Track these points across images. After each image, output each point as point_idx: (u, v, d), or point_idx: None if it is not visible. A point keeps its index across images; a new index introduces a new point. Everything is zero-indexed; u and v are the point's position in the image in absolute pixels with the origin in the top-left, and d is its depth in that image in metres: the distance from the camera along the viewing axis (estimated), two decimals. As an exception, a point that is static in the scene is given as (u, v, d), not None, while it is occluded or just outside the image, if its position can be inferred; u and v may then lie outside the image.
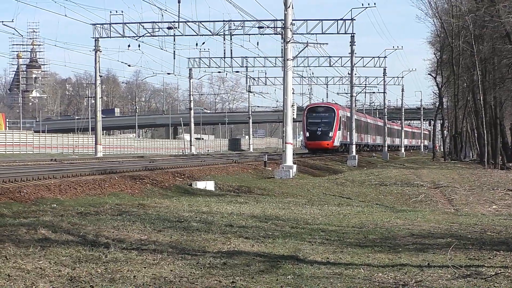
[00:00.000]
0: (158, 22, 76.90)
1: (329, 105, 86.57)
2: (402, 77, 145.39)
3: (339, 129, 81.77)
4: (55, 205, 24.19)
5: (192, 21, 75.73)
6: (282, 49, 55.19)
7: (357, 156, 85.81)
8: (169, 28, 76.21)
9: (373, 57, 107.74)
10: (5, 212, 21.80)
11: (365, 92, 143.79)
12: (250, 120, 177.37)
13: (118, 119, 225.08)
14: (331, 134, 79.76)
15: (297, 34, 67.12)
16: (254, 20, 78.02)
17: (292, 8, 52.47)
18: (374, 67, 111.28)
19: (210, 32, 79.61)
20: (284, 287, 12.86)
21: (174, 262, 14.88)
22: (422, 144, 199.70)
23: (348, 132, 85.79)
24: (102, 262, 14.52)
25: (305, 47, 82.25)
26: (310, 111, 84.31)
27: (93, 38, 79.87)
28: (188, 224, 20.73)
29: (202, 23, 78.78)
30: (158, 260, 15.02)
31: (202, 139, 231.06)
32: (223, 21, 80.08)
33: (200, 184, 34.75)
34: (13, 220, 20.11)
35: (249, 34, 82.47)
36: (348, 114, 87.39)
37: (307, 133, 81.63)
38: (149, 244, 17.11)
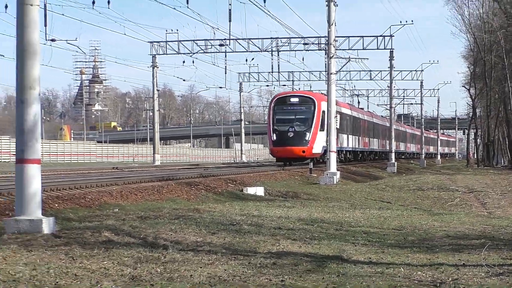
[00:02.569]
0: (211, 39, 76.63)
1: (307, 94, 61.52)
2: (438, 89, 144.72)
3: (322, 129, 56.81)
4: (117, 210, 24.29)
5: (242, 39, 75.54)
6: (326, 64, 55.07)
7: (396, 163, 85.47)
8: (220, 45, 76.14)
9: (411, 71, 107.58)
10: (72, 217, 21.91)
11: (403, 104, 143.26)
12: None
13: (174, 129, 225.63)
14: (308, 136, 56.11)
15: (340, 49, 65.36)
16: (299, 37, 77.64)
17: (335, 25, 52.44)
18: (412, 80, 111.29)
19: (259, 48, 79.45)
20: (330, 285, 12.87)
21: (228, 262, 14.93)
22: (456, 151, 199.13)
23: (342, 134, 68.19)
24: (161, 262, 14.60)
25: (347, 62, 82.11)
26: (279, 103, 60.16)
27: (150, 55, 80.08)
28: (240, 227, 20.76)
29: (251, 40, 78.69)
30: (213, 260, 15.07)
31: (253, 148, 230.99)
32: (271, 38, 79.87)
33: (251, 190, 34.72)
34: (79, 224, 20.23)
35: (295, 50, 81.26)
36: (342, 110, 70.12)
37: (274, 135, 57.91)
38: (204, 245, 17.16)
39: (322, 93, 66.53)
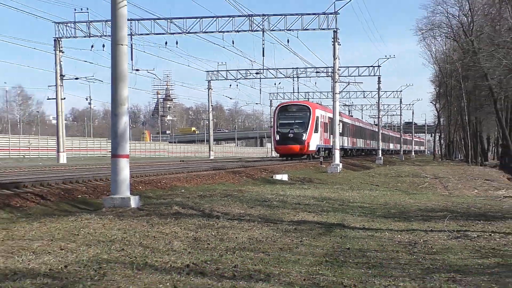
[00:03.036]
0: (250, 69, 76.26)
1: (304, 104, 59.29)
2: (413, 104, 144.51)
3: (316, 131, 55.93)
4: (183, 191, 24.37)
5: (271, 68, 75.32)
6: (332, 87, 54.84)
7: (382, 157, 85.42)
8: (256, 73, 75.94)
9: (393, 91, 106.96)
10: (151, 195, 22.03)
11: (388, 114, 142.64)
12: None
13: (223, 133, 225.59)
14: (304, 137, 54.02)
15: (342, 76, 64.85)
16: (312, 67, 77.56)
17: (338, 59, 52.18)
18: (394, 97, 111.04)
19: (284, 75, 79.56)
20: (335, 244, 12.94)
21: (262, 228, 15.01)
22: (426, 149, 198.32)
23: (329, 135, 62.88)
24: (215, 228, 14.69)
25: (347, 85, 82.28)
26: (282, 111, 57.50)
27: (206, 80, 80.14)
28: (270, 203, 20.79)
29: (279, 69, 78.75)
30: (251, 226, 15.16)
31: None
32: (292, 68, 79.80)
33: (278, 176, 34.69)
34: (156, 201, 20.34)
35: (310, 77, 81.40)
36: (330, 115, 61.82)
37: (278, 136, 56.08)
38: (245, 216, 17.23)
39: (316, 103, 66.36)
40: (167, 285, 8.77)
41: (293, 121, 55.22)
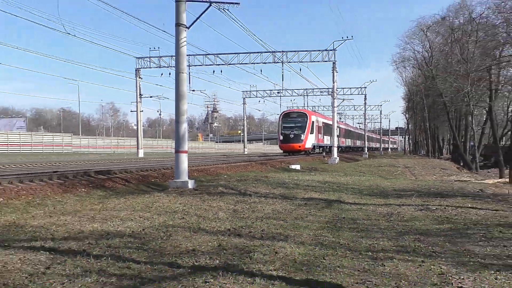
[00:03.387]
0: (273, 90, 75.78)
1: (302, 111, 56.45)
2: (389, 114, 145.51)
3: (312, 133, 53.54)
4: (225, 176, 24.35)
5: (288, 89, 74.83)
6: (331, 102, 54.55)
7: (368, 152, 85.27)
8: (278, 92, 75.51)
9: (376, 105, 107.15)
10: (202, 180, 22.00)
11: (371, 122, 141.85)
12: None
13: (254, 135, 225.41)
14: (302, 137, 51.95)
15: (339, 94, 64.13)
16: (318, 89, 77.14)
17: (336, 82, 52.03)
18: (377, 110, 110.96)
19: (297, 94, 79.09)
20: (334, 214, 12.84)
21: (282, 203, 14.93)
22: (398, 146, 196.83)
23: (324, 136, 61.62)
24: (248, 203, 14.64)
25: (342, 101, 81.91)
26: (285, 116, 55.01)
27: (243, 97, 79.84)
28: (288, 185, 20.71)
29: (294, 90, 78.44)
30: (274, 202, 15.08)
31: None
32: (303, 89, 79.30)
33: (293, 166, 34.55)
34: (206, 183, 20.30)
35: (316, 95, 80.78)
36: (324, 120, 62.91)
37: (282, 136, 54.01)
38: (270, 194, 17.16)
39: (312, 110, 62.89)
40: (214, 244, 8.77)
41: (294, 125, 53.00)
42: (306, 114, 54.01)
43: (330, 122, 62.41)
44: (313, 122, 54.14)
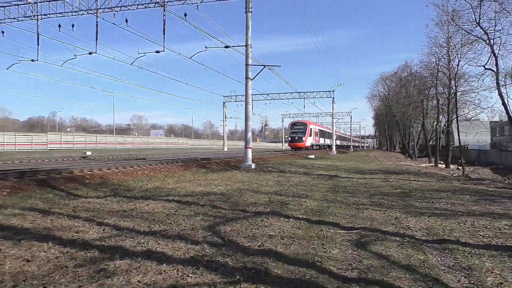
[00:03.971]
0: (298, 113, 74.28)
1: (304, 122, 50.29)
2: (364, 127, 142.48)
3: (310, 136, 48.03)
4: (272, 162, 24.26)
5: (307, 113, 73.38)
6: (331, 121, 53.79)
7: (352, 148, 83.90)
8: (302, 115, 74.85)
9: (357, 122, 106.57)
10: (260, 163, 21.85)
11: (351, 129, 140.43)
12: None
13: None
14: (303, 139, 47.04)
15: (336, 117, 62.48)
16: (324, 113, 75.74)
17: (334, 109, 51.38)
18: (358, 125, 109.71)
19: (312, 115, 77.90)
20: (334, 183, 12.61)
21: (304, 176, 14.77)
22: (370, 145, 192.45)
23: (320, 138, 55.87)
24: (285, 176, 14.53)
25: (338, 120, 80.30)
26: (292, 125, 49.31)
27: (282, 118, 79.45)
28: (307, 166, 20.52)
29: (311, 113, 77.25)
30: (300, 176, 14.93)
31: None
32: (316, 113, 78.05)
33: (310, 156, 33.99)
34: (261, 165, 20.16)
35: (323, 116, 79.15)
36: (319, 128, 57.63)
37: (290, 138, 48.96)
38: (298, 172, 17.00)
39: (311, 121, 55.99)
40: (266, 199, 8.73)
41: (297, 131, 47.97)
42: (306, 124, 49.46)
43: (324, 129, 60.43)
44: (311, 129, 49.55)
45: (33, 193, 8.87)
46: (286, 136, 51.04)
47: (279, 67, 22.08)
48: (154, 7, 20.10)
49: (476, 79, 21.60)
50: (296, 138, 47.97)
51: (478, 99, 26.94)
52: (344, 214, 7.21)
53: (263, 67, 20.88)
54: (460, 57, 25.69)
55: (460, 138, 31.44)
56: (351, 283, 3.82)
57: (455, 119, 28.79)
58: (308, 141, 48.39)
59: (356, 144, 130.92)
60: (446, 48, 27.09)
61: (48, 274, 3.77)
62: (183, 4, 19.73)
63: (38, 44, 21.70)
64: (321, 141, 56.75)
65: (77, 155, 29.74)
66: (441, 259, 4.67)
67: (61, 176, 10.83)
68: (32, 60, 23.01)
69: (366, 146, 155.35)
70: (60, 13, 21.63)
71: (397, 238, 5.47)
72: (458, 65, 26.65)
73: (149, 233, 5.38)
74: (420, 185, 12.54)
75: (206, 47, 21.94)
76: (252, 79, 19.12)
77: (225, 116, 58.84)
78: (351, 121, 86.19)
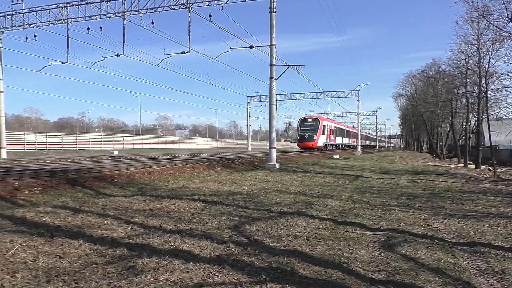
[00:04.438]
0: (322, 113, 74.11)
1: (316, 117, 43.10)
2: (390, 127, 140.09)
3: (323, 134, 41.01)
4: (296, 161, 24.17)
5: (332, 113, 72.50)
6: (356, 121, 53.11)
7: (378, 148, 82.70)
8: (326, 115, 73.85)
9: (383, 121, 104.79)
10: (284, 163, 21.81)
11: (376, 129, 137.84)
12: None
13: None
14: (315, 137, 39.80)
15: (361, 116, 61.57)
16: (349, 112, 74.87)
17: (359, 108, 50.72)
18: (383, 124, 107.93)
19: (336, 115, 77.07)
20: (359, 184, 12.46)
21: (329, 176, 14.64)
22: (397, 145, 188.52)
23: (337, 137, 48.54)
24: (310, 176, 14.44)
25: (363, 119, 79.04)
26: (302, 121, 42.01)
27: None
28: (332, 166, 20.34)
29: (336, 113, 76.44)
30: (324, 176, 14.81)
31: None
32: (341, 113, 77.25)
33: (335, 156, 33.76)
34: (285, 165, 20.16)
35: (349, 116, 78.36)
36: (336, 125, 50.05)
37: (299, 136, 42.08)
38: (322, 172, 16.87)
39: (324, 117, 47.56)
40: (290, 199, 8.70)
41: (308, 128, 40.51)
42: (318, 120, 41.87)
43: (342, 127, 53.33)
44: (324, 126, 42.06)
45: (64, 191, 9.14)
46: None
47: (303, 67, 21.95)
48: (179, 8, 20.36)
49: (508, 77, 21.02)
50: (306, 136, 40.65)
51: (511, 98, 26.19)
52: (371, 215, 7.10)
53: (287, 67, 20.82)
54: (491, 55, 25.09)
55: (491, 137, 30.48)
56: (378, 285, 3.76)
57: (486, 118, 27.97)
58: (321, 140, 41.18)
59: (382, 144, 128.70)
60: (476, 45, 26.42)
61: (79, 271, 3.86)
62: (208, 5, 19.90)
63: (68, 47, 22.36)
64: (338, 140, 49.71)
65: (105, 155, 30.47)
66: (472, 262, 4.54)
67: (90, 175, 11.11)
68: (62, 63, 23.77)
69: (392, 146, 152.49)
70: (89, 16, 22.20)
71: (426, 240, 5.35)
72: (489, 62, 26.02)
73: (176, 232, 5.45)
74: (449, 186, 12.23)
75: (231, 48, 22.17)
76: (277, 79, 19.11)
77: (249, 116, 58.93)
78: (376, 120, 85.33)
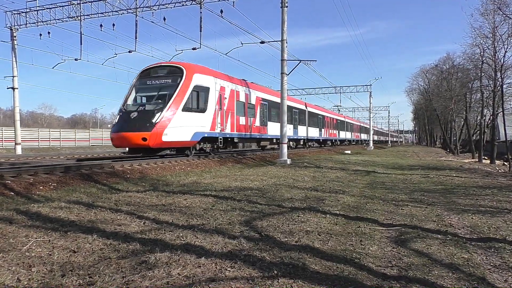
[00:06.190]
0: (337, 106, 73.30)
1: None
2: (403, 122, 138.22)
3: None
4: (308, 157, 24.09)
5: (344, 107, 71.78)
6: (369, 116, 52.76)
7: (390, 144, 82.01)
8: (338, 110, 73.15)
9: (395, 117, 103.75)
10: (295, 159, 21.73)
11: (388, 124, 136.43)
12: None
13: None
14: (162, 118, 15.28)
15: (373, 110, 61.16)
16: (361, 107, 74.36)
17: (371, 103, 50.26)
18: (395, 119, 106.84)
19: (348, 110, 76.40)
20: (371, 179, 12.37)
21: (340, 172, 14.56)
22: (409, 140, 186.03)
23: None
24: (321, 172, 14.37)
25: (375, 114, 78.33)
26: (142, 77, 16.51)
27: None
28: (343, 162, 20.22)
29: (348, 108, 75.80)
30: (336, 171, 14.73)
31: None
32: (353, 108, 76.65)
33: (346, 152, 33.63)
34: (297, 161, 20.10)
35: (360, 111, 77.82)
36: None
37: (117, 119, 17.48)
38: (334, 167, 16.78)
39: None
40: (302, 195, 8.69)
41: (150, 94, 21.00)
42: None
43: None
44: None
45: (78, 187, 9.27)
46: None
47: (314, 62, 21.74)
48: (191, 4, 20.38)
49: (525, 71, 20.53)
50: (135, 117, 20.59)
51: (527, 92, 25.73)
52: (383, 210, 7.05)
53: (298, 62, 20.74)
54: (507, 48, 24.67)
55: (507, 132, 29.99)
56: (391, 280, 3.74)
57: (501, 113, 27.52)
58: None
59: (394, 139, 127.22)
60: (491, 39, 25.95)
61: (93, 265, 3.91)
62: (219, 0, 19.89)
63: (81, 44, 22.74)
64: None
65: (117, 151, 30.75)
66: (486, 258, 4.48)
67: (103, 170, 11.23)
68: (76, 59, 24.02)
69: (405, 141, 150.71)
70: (102, 13, 22.39)
71: (439, 236, 5.29)
72: (504, 56, 25.62)
73: (188, 227, 5.48)
74: (463, 181, 12.08)
75: (242, 43, 22.11)
76: (288, 74, 19.03)
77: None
78: (389, 115, 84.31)
